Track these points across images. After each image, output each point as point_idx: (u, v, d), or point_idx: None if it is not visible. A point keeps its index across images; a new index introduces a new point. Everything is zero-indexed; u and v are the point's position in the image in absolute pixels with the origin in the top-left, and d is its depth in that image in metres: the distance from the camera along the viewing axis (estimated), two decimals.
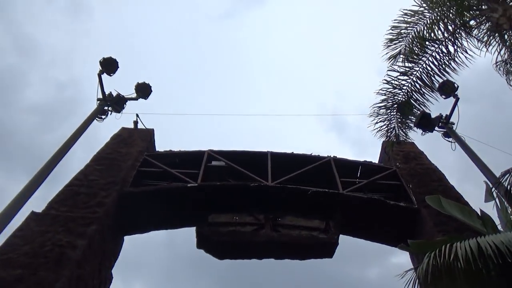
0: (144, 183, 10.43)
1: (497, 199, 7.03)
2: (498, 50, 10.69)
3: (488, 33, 10.39)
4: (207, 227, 10.14)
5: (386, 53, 10.49)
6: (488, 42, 10.64)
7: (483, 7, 9.60)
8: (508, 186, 5.60)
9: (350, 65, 47.01)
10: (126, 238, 10.08)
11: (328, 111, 43.65)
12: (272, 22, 46.46)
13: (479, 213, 7.12)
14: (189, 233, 10.37)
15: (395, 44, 10.39)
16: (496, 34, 10.59)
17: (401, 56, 10.25)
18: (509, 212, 6.72)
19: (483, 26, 10.32)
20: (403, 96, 10.42)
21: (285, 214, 10.68)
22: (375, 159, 12.79)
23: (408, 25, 10.27)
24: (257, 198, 10.26)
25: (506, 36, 10.61)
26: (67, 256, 7.10)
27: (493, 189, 7.08)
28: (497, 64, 10.61)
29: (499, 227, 6.66)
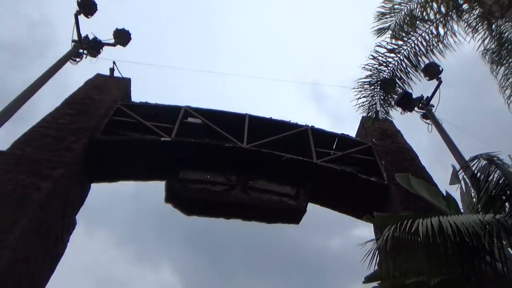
0: (116, 133, 10.18)
1: (462, 183, 7.16)
2: (483, 38, 10.70)
3: (478, 19, 10.33)
4: (177, 182, 10.04)
5: (376, 26, 10.31)
6: (476, 28, 10.60)
7: None
8: (475, 171, 5.66)
9: (335, 37, 46.54)
10: (93, 186, 9.90)
11: (309, 80, 43.44)
12: None
13: (445, 194, 7.28)
14: (156, 187, 10.28)
15: (386, 18, 10.22)
16: (485, 22, 10.55)
17: (390, 31, 10.10)
18: (472, 196, 6.86)
19: (474, 12, 10.24)
20: (388, 74, 10.34)
21: (257, 178, 10.67)
22: (350, 133, 12.85)
23: (402, 1, 10.08)
24: (231, 159, 10.20)
25: (493, 26, 10.58)
26: (30, 197, 6.93)
27: (460, 172, 7.18)
28: (484, 52, 10.61)
29: (462, 210, 6.82)
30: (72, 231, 8.83)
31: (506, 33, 10.44)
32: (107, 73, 12.10)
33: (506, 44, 10.33)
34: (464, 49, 10.27)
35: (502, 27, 10.35)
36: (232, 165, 10.37)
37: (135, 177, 10.43)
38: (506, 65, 10.44)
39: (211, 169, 10.52)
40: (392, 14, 10.28)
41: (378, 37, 10.32)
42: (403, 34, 10.06)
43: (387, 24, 10.22)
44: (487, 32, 10.38)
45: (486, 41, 10.65)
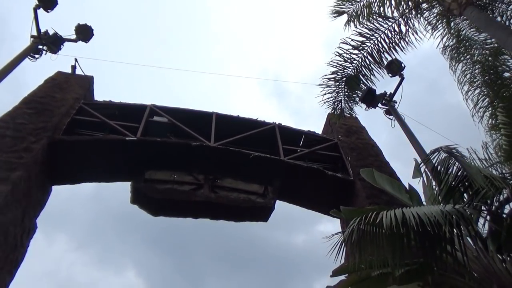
0: (78, 132, 9.87)
1: (424, 176, 7.40)
2: (443, 35, 11.10)
3: (437, 17, 10.70)
4: (143, 183, 9.85)
5: (334, 9, 10.60)
6: (436, 26, 10.98)
7: None
8: (436, 164, 5.85)
9: (296, 34, 47.22)
10: (53, 188, 9.54)
11: (270, 77, 43.81)
12: None
13: (407, 187, 7.49)
14: (117, 187, 10.08)
15: (346, 4, 10.52)
16: (444, 20, 10.94)
17: (347, 15, 10.37)
18: (433, 187, 7.09)
19: (434, 10, 10.60)
20: (353, 70, 10.54)
21: (225, 176, 10.63)
22: (314, 129, 13.03)
23: None
24: (198, 158, 10.10)
25: (452, 24, 11.00)
26: None
27: (421, 165, 7.41)
28: (443, 49, 11.01)
29: (424, 203, 7.03)
30: (32, 235, 8.46)
31: (464, 31, 10.88)
32: (68, 70, 11.68)
33: (464, 41, 10.75)
34: (421, 46, 10.62)
35: (460, 24, 10.78)
36: (199, 164, 10.27)
37: (99, 178, 10.12)
38: (464, 61, 10.87)
39: (178, 169, 10.39)
40: (353, 2, 10.56)
41: (334, 19, 10.59)
42: (366, 31, 10.30)
43: (346, 10, 10.51)
44: (446, 29, 10.78)
45: (445, 38, 11.08)
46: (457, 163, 5.49)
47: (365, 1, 10.24)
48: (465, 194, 5.62)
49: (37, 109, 9.51)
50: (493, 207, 5.84)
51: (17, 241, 7.53)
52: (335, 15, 10.75)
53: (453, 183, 5.41)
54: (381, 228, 4.96)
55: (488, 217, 5.92)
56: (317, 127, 13.33)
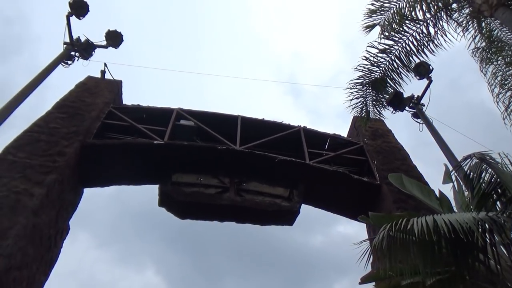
0: (108, 136, 10.11)
1: (455, 182, 7.25)
2: (474, 36, 10.85)
3: (467, 17, 10.47)
4: (170, 186, 10.00)
5: (365, 23, 10.45)
6: (466, 27, 10.75)
7: None
8: (468, 171, 5.75)
9: (311, 31, 47.02)
10: None
11: (285, 73, 43.77)
12: None
13: (437, 193, 7.36)
14: (136, 189, 10.24)
15: (375, 16, 10.34)
16: (475, 21, 10.70)
17: (379, 27, 10.21)
18: (465, 195, 6.95)
19: (464, 11, 10.37)
20: (380, 74, 10.44)
21: (250, 180, 10.69)
22: (330, 129, 12.96)
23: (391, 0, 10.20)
24: (224, 161, 10.20)
25: (483, 24, 10.74)
26: (23, 204, 6.86)
27: (453, 172, 7.28)
28: (474, 50, 10.77)
29: (455, 209, 6.90)
30: (65, 236, 8.75)
31: (496, 31, 10.61)
32: (95, 75, 11.99)
33: (495, 43, 10.49)
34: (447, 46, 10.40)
35: (491, 24, 10.52)
36: (225, 167, 10.36)
37: (128, 181, 10.36)
38: (495, 63, 10.60)
39: (204, 172, 10.51)
40: (383, 12, 10.39)
41: (367, 33, 10.43)
42: (394, 34, 10.17)
43: (377, 21, 10.34)
44: (477, 31, 10.53)
45: (477, 39, 10.82)
46: (490, 169, 5.38)
47: (395, 8, 10.09)
48: (498, 202, 5.50)
49: (69, 113, 9.82)
50: None
51: (51, 242, 7.80)
52: (367, 29, 10.61)
53: (486, 190, 5.30)
54: (411, 235, 4.89)
55: None
56: (334, 126, 13.39)
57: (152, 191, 9.97)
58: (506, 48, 10.51)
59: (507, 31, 10.51)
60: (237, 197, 10.31)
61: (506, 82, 10.41)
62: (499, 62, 10.65)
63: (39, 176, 7.54)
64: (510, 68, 10.41)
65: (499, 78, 10.60)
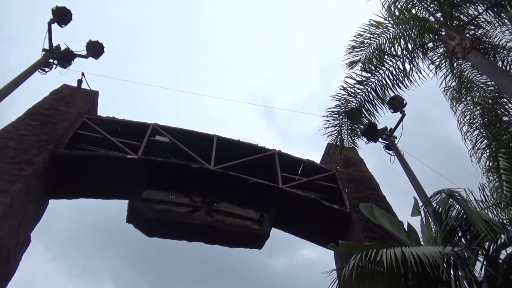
0: (80, 147, 9.88)
1: (423, 216, 7.44)
2: (445, 75, 11.38)
3: (441, 57, 10.98)
4: (140, 202, 9.83)
5: (347, 59, 10.77)
6: (439, 66, 11.26)
7: (442, 32, 10.09)
8: (437, 206, 5.95)
9: (288, 56, 48.09)
10: None
11: (259, 96, 44.54)
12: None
13: (405, 225, 7.52)
14: (101, 201, 10.05)
15: (356, 52, 10.68)
16: (447, 60, 11.23)
17: (360, 64, 10.56)
18: (432, 229, 7.14)
19: (438, 50, 10.89)
20: (356, 104, 10.75)
21: (222, 200, 10.63)
22: (300, 152, 13.17)
23: (371, 36, 10.58)
24: (197, 180, 10.10)
25: (455, 64, 11.28)
26: None
27: (422, 206, 7.49)
28: (446, 88, 11.26)
29: (422, 242, 7.07)
30: (25, 248, 8.34)
31: (466, 72, 11.15)
32: (71, 83, 11.75)
33: (465, 83, 11.01)
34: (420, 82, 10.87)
35: (463, 65, 11.06)
36: (197, 186, 10.27)
37: (97, 194, 10.06)
38: (465, 102, 11.10)
39: (176, 190, 10.39)
40: (363, 48, 10.75)
41: (350, 69, 10.76)
42: (372, 67, 10.54)
43: (358, 58, 10.68)
44: (449, 70, 11.05)
45: (448, 78, 11.34)
46: (457, 205, 5.57)
47: (375, 44, 10.49)
48: (463, 238, 5.67)
49: (41, 121, 9.54)
50: (490, 252, 5.88)
51: (10, 254, 7.43)
52: (350, 66, 10.97)
53: (453, 225, 5.47)
54: (380, 266, 4.98)
55: (485, 262, 5.95)
56: (304, 150, 13.65)
57: (116, 204, 9.74)
58: (475, 89, 11.04)
59: (476, 73, 11.09)
60: (207, 217, 10.21)
61: (474, 121, 10.89)
62: (468, 101, 11.17)
63: (4, 185, 7.23)
64: (478, 108, 10.92)
65: (467, 117, 11.10)
